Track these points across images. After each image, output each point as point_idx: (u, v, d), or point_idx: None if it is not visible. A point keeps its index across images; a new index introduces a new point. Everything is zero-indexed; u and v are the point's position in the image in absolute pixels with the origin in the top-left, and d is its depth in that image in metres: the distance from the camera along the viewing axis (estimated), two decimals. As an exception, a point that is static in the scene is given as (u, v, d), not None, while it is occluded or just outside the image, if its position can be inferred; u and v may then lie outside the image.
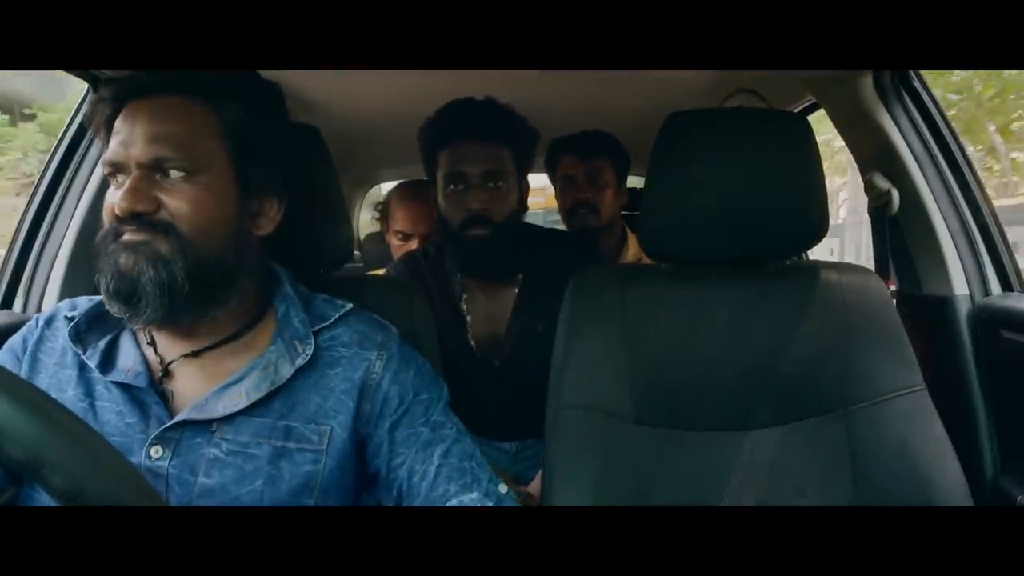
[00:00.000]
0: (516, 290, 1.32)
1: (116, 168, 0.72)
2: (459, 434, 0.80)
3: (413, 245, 1.76)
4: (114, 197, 0.72)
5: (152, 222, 0.70)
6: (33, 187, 1.23)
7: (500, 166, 1.23)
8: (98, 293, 0.76)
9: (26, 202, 1.24)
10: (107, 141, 0.75)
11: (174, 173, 0.71)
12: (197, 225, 0.72)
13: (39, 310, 1.18)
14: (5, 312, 1.18)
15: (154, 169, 0.71)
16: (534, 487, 1.26)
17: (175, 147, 0.71)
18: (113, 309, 0.72)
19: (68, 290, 1.19)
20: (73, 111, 1.24)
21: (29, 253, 1.20)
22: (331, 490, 0.75)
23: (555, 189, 1.80)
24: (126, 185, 0.70)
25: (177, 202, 0.71)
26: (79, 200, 1.22)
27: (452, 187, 1.24)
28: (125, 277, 0.70)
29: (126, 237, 0.70)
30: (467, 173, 1.22)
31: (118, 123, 0.73)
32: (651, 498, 0.89)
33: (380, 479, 0.78)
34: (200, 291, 0.72)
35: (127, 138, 0.71)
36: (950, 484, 0.89)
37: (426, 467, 0.76)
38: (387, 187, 2.70)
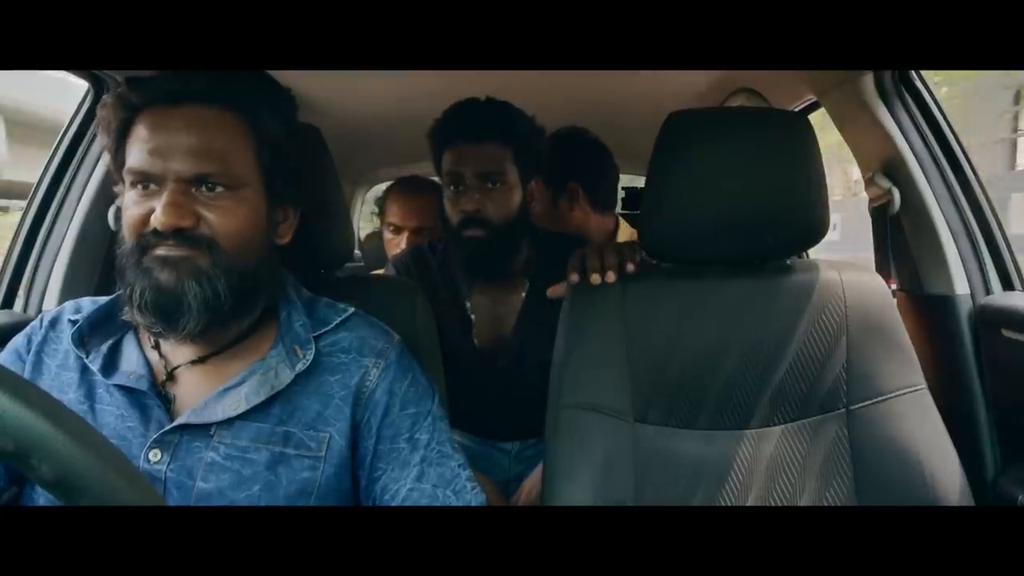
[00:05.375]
0: (524, 293, 1.31)
1: (148, 178, 0.70)
2: (441, 456, 0.77)
3: (403, 241, 1.76)
4: (139, 208, 0.70)
5: (194, 237, 0.70)
6: (34, 187, 1.24)
7: (497, 167, 1.22)
8: (100, 294, 0.75)
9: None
10: (118, 143, 0.73)
11: (215, 187, 0.71)
12: (237, 239, 0.72)
13: (40, 310, 1.18)
14: (6, 312, 1.18)
15: (193, 183, 0.70)
16: (529, 484, 1.25)
17: (218, 162, 0.70)
18: (145, 322, 0.71)
19: (68, 290, 1.19)
20: (73, 111, 1.24)
21: (30, 253, 1.20)
22: (328, 496, 0.74)
23: None
24: (164, 199, 0.68)
25: (218, 217, 0.70)
26: (79, 200, 1.22)
27: (452, 188, 1.24)
28: (167, 293, 0.69)
29: (161, 252, 0.69)
30: (463, 174, 1.22)
31: (144, 129, 0.71)
32: (650, 497, 0.89)
33: (360, 489, 0.77)
34: (237, 304, 0.72)
35: (163, 148, 0.69)
36: (951, 484, 0.88)
37: (398, 487, 0.75)
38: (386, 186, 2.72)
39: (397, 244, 1.78)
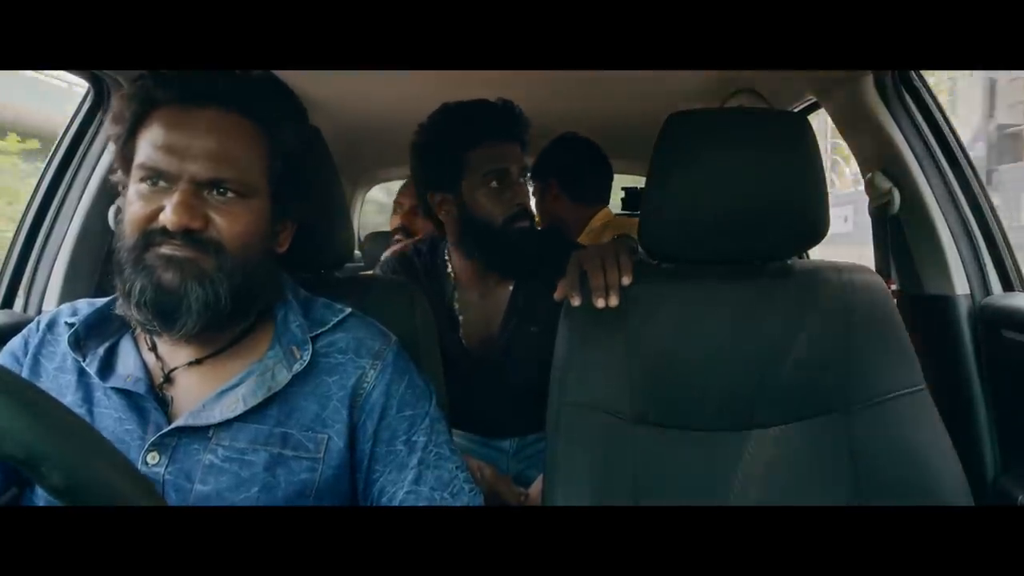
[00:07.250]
0: (510, 289, 1.32)
1: (159, 176, 0.70)
2: (439, 458, 0.77)
3: (399, 219, 1.96)
4: (146, 204, 0.69)
5: (201, 239, 0.69)
6: (34, 187, 1.24)
7: (525, 163, 1.31)
8: (99, 295, 0.75)
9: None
10: (128, 136, 0.73)
11: (226, 192, 0.70)
12: (243, 246, 0.71)
13: (40, 310, 1.18)
14: (6, 312, 1.18)
15: (205, 186, 0.70)
16: (535, 490, 1.25)
17: (234, 168, 0.70)
18: (141, 319, 0.71)
19: (68, 290, 1.19)
20: (74, 112, 1.24)
21: (30, 253, 1.20)
22: (327, 498, 0.74)
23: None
24: (177, 199, 0.68)
25: (226, 222, 0.70)
26: (79, 200, 1.21)
27: (496, 183, 1.25)
28: (168, 293, 0.69)
29: (166, 251, 0.69)
30: (509, 169, 1.26)
31: (160, 126, 0.70)
32: (651, 497, 0.89)
33: (358, 492, 0.77)
34: (235, 308, 0.72)
35: (180, 148, 0.69)
36: (951, 484, 0.88)
37: (395, 490, 0.75)
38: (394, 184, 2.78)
39: (397, 218, 1.99)
